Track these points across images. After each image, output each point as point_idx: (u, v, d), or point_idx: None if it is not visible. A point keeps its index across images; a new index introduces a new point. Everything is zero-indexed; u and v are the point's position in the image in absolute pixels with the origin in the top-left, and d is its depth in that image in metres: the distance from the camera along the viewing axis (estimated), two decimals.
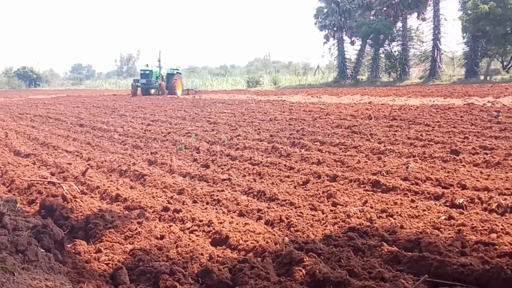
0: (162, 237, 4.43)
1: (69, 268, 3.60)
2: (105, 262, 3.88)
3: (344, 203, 5.63)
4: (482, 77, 32.30)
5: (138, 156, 9.38)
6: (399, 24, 40.16)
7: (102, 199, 6.34)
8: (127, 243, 4.34)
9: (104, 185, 6.85)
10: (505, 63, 36.45)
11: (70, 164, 8.46)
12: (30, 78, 77.46)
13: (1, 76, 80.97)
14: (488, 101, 15.99)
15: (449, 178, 6.29)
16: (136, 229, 4.56)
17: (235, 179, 7.00)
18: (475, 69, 33.95)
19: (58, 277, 3.30)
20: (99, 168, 8.47)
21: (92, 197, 6.35)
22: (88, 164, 8.65)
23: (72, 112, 19.95)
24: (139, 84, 33.81)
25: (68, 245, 4.14)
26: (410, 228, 4.60)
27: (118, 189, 6.56)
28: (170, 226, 4.74)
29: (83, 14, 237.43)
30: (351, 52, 45.29)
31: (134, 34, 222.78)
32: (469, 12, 29.86)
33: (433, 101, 17.21)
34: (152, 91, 33.75)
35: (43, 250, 3.59)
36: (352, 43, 44.45)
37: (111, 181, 7.37)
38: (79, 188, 6.58)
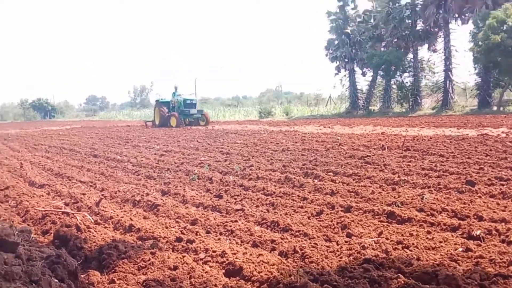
0: (175, 268, 4.39)
1: None
2: None
3: (359, 234, 5.56)
4: (495, 108, 32.17)
5: (151, 187, 9.41)
6: (410, 55, 40.41)
7: (116, 229, 6.34)
8: (141, 274, 4.32)
9: (117, 215, 6.85)
10: None
11: (84, 194, 8.50)
12: (45, 109, 78.77)
13: (16, 107, 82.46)
14: (503, 132, 15.88)
15: (465, 210, 6.20)
16: (150, 259, 4.54)
17: (248, 210, 6.97)
18: (488, 100, 33.84)
19: None
20: (113, 198, 8.50)
21: (105, 227, 6.35)
22: (102, 195, 8.68)
23: (86, 143, 20.15)
24: (190, 114, 32.35)
25: (82, 276, 4.13)
26: (427, 260, 4.52)
27: (131, 219, 6.56)
28: (184, 256, 4.71)
29: (98, 47, 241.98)
30: (362, 83, 45.55)
31: (148, 66, 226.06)
32: (480, 43, 29.94)
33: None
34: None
35: (57, 281, 3.58)
36: (364, 74, 44.73)
37: (125, 211, 7.38)
38: (92, 218, 6.59)
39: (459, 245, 4.88)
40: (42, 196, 8.67)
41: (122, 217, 6.72)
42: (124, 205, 7.92)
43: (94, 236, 5.50)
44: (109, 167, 12.58)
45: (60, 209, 6.99)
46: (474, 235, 5.18)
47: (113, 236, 5.60)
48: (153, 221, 6.67)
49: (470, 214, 5.96)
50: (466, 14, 35.36)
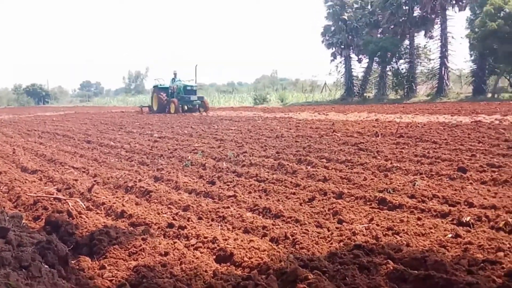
0: (166, 254, 4.40)
1: (73, 285, 3.59)
2: (109, 279, 3.87)
3: (350, 220, 5.59)
4: (489, 95, 32.24)
5: (144, 173, 9.40)
6: (406, 42, 40.36)
7: (108, 216, 6.34)
8: (131, 260, 4.32)
9: (109, 201, 6.86)
10: None
11: (76, 180, 8.49)
12: (39, 95, 78.28)
13: (10, 93, 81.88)
14: (496, 119, 15.92)
15: (456, 196, 6.23)
16: (141, 245, 4.55)
17: (240, 196, 6.98)
18: (482, 87, 33.90)
19: None
20: (105, 184, 8.49)
21: (97, 213, 6.35)
22: (95, 181, 8.67)
23: (79, 129, 20.08)
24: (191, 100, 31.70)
25: (72, 261, 4.13)
26: (416, 246, 4.55)
27: (123, 206, 6.56)
28: (175, 242, 4.72)
29: (93, 33, 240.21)
30: (358, 69, 45.43)
31: (143, 51, 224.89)
32: (476, 30, 29.89)
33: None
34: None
35: (47, 266, 3.58)
36: (359, 60, 44.64)
37: (117, 197, 7.38)
38: (84, 204, 6.59)
39: (448, 231, 4.90)
40: (34, 182, 8.65)
41: (114, 203, 6.72)
42: (116, 191, 7.91)
43: (85, 222, 5.51)
44: (102, 153, 12.56)
45: (52, 195, 6.98)
46: (464, 221, 5.21)
47: (104, 222, 5.61)
48: (145, 207, 6.68)
49: (461, 201, 5.99)
50: (464, 1, 35.26)
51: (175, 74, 33.53)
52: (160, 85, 33.64)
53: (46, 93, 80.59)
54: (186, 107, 31.58)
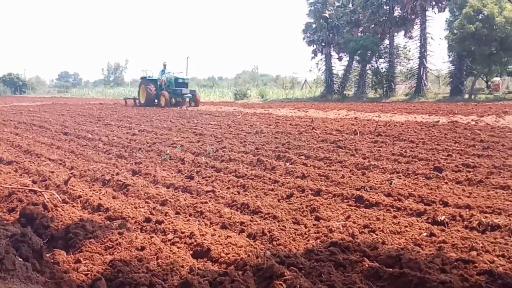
0: (143, 249, 4.38)
1: (47, 278, 3.54)
2: (84, 273, 3.83)
3: (327, 217, 5.63)
4: (466, 96, 32.70)
5: (122, 166, 9.32)
6: (386, 42, 40.67)
7: (84, 209, 6.28)
8: (107, 254, 4.29)
9: (86, 194, 6.79)
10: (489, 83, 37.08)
11: (52, 172, 8.38)
12: (15, 84, 76.80)
13: None
14: (472, 120, 16.19)
15: (432, 195, 6.33)
16: (117, 239, 4.51)
17: (219, 191, 6.98)
18: (460, 88, 34.37)
19: (35, 287, 3.25)
20: (82, 177, 8.39)
21: (73, 206, 6.28)
22: (71, 173, 8.56)
23: (57, 120, 19.79)
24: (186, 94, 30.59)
25: (47, 255, 4.08)
26: (392, 244, 4.62)
27: (100, 199, 6.50)
28: (152, 237, 4.70)
29: (71, 22, 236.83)
30: (338, 67, 45.68)
31: (122, 43, 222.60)
32: (455, 31, 30.28)
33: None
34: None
35: (21, 259, 3.53)
36: (340, 58, 44.84)
37: (94, 190, 7.31)
38: (60, 197, 6.50)
39: (423, 230, 4.99)
40: (9, 173, 8.52)
41: (90, 196, 6.66)
42: (93, 184, 7.83)
43: (61, 215, 5.44)
44: (80, 145, 12.41)
45: (27, 186, 6.87)
46: (439, 220, 5.30)
47: (80, 216, 5.55)
48: (122, 201, 6.63)
49: (436, 200, 6.09)
50: (443, 2, 35.66)
51: (164, 66, 32.24)
52: (149, 76, 32.14)
53: (23, 82, 79.10)
54: (174, 100, 30.45)
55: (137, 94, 33.53)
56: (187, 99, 31.19)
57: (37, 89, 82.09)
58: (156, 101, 30.63)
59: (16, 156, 10.46)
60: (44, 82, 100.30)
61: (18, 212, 5.59)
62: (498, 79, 35.88)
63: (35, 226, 4.98)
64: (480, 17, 29.20)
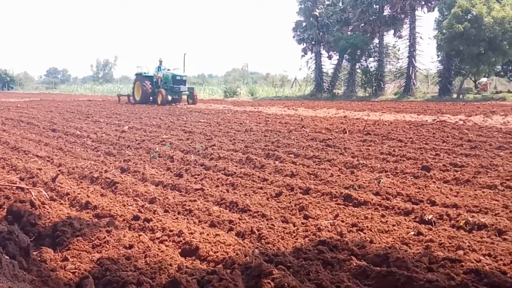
0: (131, 247, 4.36)
1: (34, 276, 3.52)
2: (71, 271, 3.81)
3: (315, 216, 5.65)
4: (455, 95, 32.95)
5: (110, 163, 9.27)
6: (376, 41, 40.85)
7: (72, 206, 6.24)
8: (95, 252, 4.27)
9: (74, 192, 6.74)
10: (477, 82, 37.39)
11: (40, 169, 8.31)
12: (3, 80, 75.96)
13: None
14: (460, 119, 16.32)
15: (419, 194, 6.37)
16: (105, 237, 4.49)
17: (208, 189, 6.97)
18: (448, 87, 34.63)
19: (22, 285, 3.23)
20: (70, 174, 8.34)
21: (61, 204, 6.24)
22: (59, 170, 8.50)
23: (45, 117, 19.63)
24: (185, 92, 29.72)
25: (34, 253, 4.05)
26: (380, 243, 4.64)
27: (88, 197, 6.47)
28: (140, 235, 4.68)
29: (60, 18, 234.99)
30: (328, 66, 45.75)
31: (111, 39, 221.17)
32: (444, 31, 30.48)
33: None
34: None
35: (8, 257, 3.51)
36: (330, 57, 44.95)
37: (82, 188, 7.27)
38: (48, 195, 6.46)
39: (411, 229, 5.02)
40: None
41: (78, 193, 6.62)
42: (81, 182, 7.79)
43: (48, 212, 5.40)
44: (68, 142, 12.33)
45: (14, 183, 6.82)
46: (426, 219, 5.33)
47: (68, 213, 5.50)
48: (111, 199, 6.60)
49: (424, 199, 6.13)
50: (433, 2, 35.91)
51: (160, 62, 30.97)
52: (144, 73, 30.97)
53: (10, 78, 78.24)
54: (170, 98, 29.55)
55: (131, 91, 32.50)
56: (185, 97, 30.52)
57: (25, 85, 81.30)
58: (151, 98, 29.72)
59: (3, 153, 10.36)
60: (32, 78, 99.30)
61: (5, 209, 5.53)
62: (485, 79, 36.18)
63: (22, 223, 4.94)
64: (468, 17, 29.41)
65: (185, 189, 7.12)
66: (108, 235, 4.54)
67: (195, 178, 7.93)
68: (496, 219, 5.17)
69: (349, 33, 41.83)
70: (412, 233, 4.89)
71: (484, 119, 16.42)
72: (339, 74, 43.85)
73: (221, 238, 4.65)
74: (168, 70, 30.80)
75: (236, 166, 8.79)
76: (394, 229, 5.04)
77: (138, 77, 31.30)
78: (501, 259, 4.12)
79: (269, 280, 3.49)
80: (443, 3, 33.00)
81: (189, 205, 6.05)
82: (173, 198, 6.54)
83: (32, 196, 6.01)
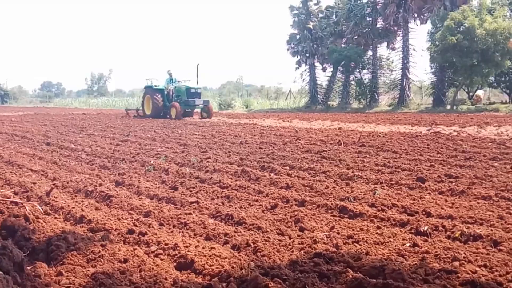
0: (125, 261, 4.33)
1: None
2: (66, 286, 3.78)
3: (311, 228, 5.63)
4: (448, 107, 33.15)
5: (105, 177, 9.24)
6: (370, 53, 41.17)
7: (66, 220, 6.20)
8: (90, 266, 4.24)
9: (68, 205, 6.70)
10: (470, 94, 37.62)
11: (34, 183, 8.27)
12: None
13: None
14: (454, 130, 16.39)
15: (415, 206, 6.38)
16: (100, 252, 4.46)
17: (203, 202, 6.95)
18: (442, 99, 34.84)
19: None
20: (65, 188, 8.30)
21: (55, 218, 6.19)
22: (53, 184, 8.46)
23: (39, 130, 19.58)
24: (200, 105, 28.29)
25: (28, 268, 4.01)
26: (375, 255, 4.63)
27: (83, 210, 6.43)
28: (135, 249, 4.65)
29: (54, 31, 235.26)
30: (322, 78, 46.05)
31: (106, 53, 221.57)
32: (437, 43, 30.74)
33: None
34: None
35: (1, 272, 3.47)
36: (324, 69, 45.24)
37: (76, 202, 7.22)
38: (42, 209, 6.41)
39: (406, 240, 5.01)
40: None
41: (73, 207, 6.58)
42: (76, 196, 7.74)
43: (43, 227, 5.36)
44: (62, 156, 12.28)
45: (8, 198, 6.77)
46: (422, 230, 5.33)
47: (63, 227, 5.47)
48: (105, 213, 6.56)
49: (419, 210, 6.13)
50: (425, 14, 36.22)
51: (170, 74, 29.41)
52: (155, 86, 29.27)
53: (5, 92, 78.26)
54: (183, 112, 27.97)
55: (140, 105, 30.98)
56: (198, 110, 29.23)
57: (19, 99, 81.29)
58: (161, 113, 28.27)
59: None
60: (27, 92, 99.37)
61: None
62: (481, 92, 36.40)
63: (16, 238, 4.90)
64: (461, 29, 29.71)
65: (180, 202, 7.09)
66: (102, 249, 4.51)
67: (190, 191, 7.91)
68: (492, 230, 5.17)
69: (342, 45, 42.13)
70: (408, 244, 4.88)
71: (478, 130, 16.51)
72: (333, 86, 44.07)
73: (216, 251, 4.63)
74: (179, 81, 29.50)
75: (231, 178, 8.78)
76: (390, 241, 5.03)
77: (147, 90, 29.70)
78: (496, 270, 4.11)
79: None
80: (436, 16, 33.30)
81: (184, 218, 6.03)
82: (168, 211, 6.51)
83: (26, 210, 5.97)
